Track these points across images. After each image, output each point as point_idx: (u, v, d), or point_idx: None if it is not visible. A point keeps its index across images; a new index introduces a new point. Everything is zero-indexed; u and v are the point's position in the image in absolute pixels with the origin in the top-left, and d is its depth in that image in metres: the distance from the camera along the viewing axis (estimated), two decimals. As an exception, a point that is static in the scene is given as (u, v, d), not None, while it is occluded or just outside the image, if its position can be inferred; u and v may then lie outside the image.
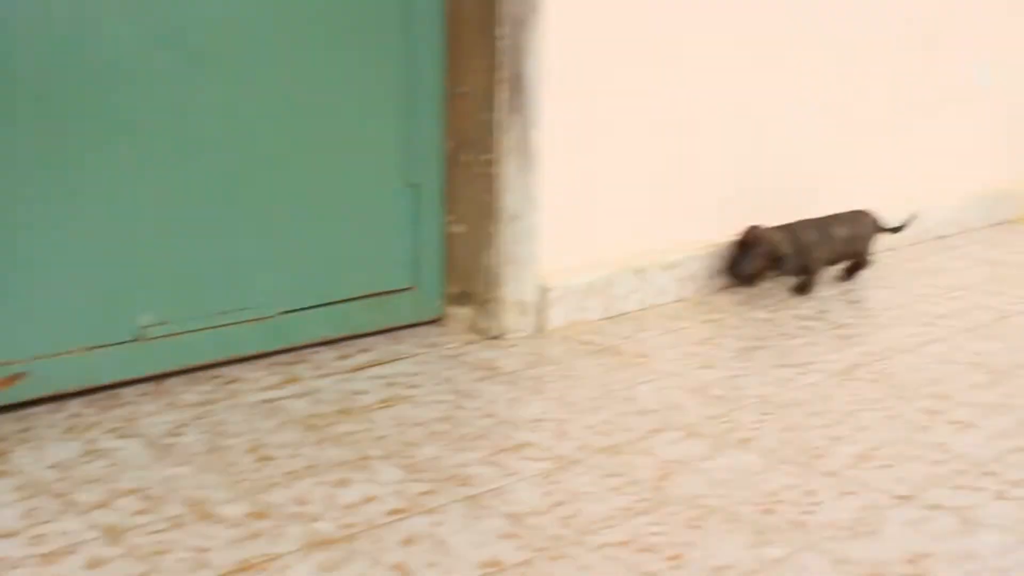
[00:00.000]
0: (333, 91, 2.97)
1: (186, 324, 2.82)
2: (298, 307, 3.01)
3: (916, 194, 4.34)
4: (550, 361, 2.95)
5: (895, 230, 3.74)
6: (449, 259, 3.22)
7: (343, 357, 2.98)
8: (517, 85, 3.06)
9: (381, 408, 2.63)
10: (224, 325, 2.88)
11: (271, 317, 2.96)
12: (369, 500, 2.17)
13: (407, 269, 3.18)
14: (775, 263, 3.45)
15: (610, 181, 3.34)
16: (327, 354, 3.01)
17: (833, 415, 2.58)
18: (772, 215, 3.78)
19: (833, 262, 3.60)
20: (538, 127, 3.10)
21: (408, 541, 2.00)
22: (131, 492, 2.20)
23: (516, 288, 3.11)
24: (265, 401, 2.69)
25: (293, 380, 2.82)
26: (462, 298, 3.20)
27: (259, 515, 2.10)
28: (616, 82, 3.30)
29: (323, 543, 2.00)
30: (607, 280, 3.32)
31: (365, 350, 3.04)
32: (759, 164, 3.76)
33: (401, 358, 2.98)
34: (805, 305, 3.53)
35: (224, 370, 2.88)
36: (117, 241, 2.69)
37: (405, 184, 3.13)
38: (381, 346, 3.06)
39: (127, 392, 2.70)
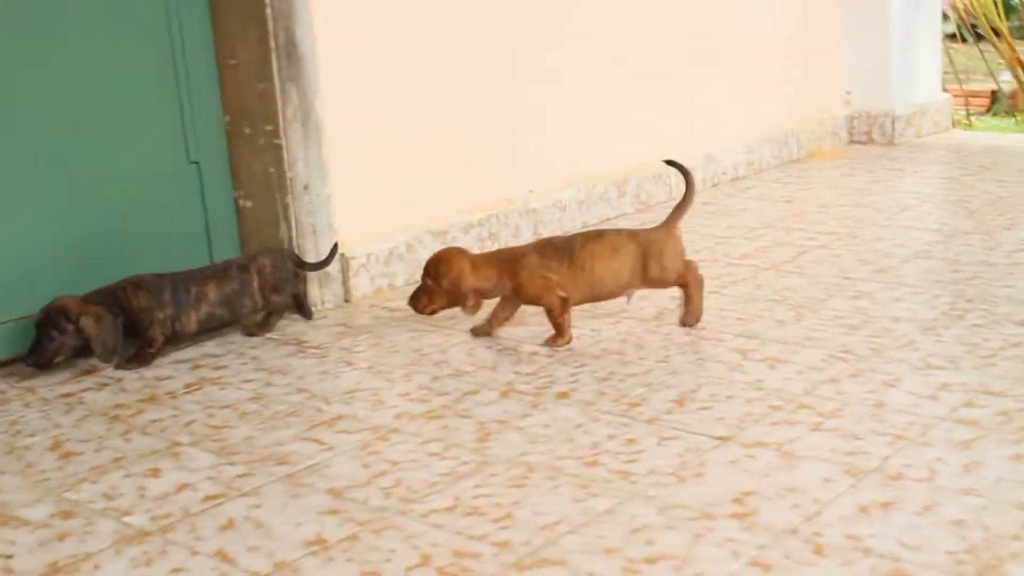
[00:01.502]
0: (103, 73, 2.85)
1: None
2: (91, 296, 2.86)
3: (708, 139, 4.39)
4: (360, 331, 2.89)
5: (318, 265, 3.01)
6: (241, 234, 3.12)
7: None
8: (291, 53, 2.97)
9: (187, 393, 2.54)
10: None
11: (63, 306, 2.81)
12: (182, 488, 2.09)
13: (199, 247, 3.07)
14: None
15: (402, 146, 3.28)
16: (125, 342, 2.88)
17: (647, 363, 2.58)
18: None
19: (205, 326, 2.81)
20: (320, 95, 3.01)
21: (227, 526, 1.93)
22: (-77, 503, 2.07)
23: (316, 259, 3.03)
24: (63, 396, 2.56)
25: (91, 372, 2.69)
26: (257, 274, 3.10)
27: (66, 514, 2.01)
28: (396, 47, 3.24)
29: (136, 537, 1.91)
30: (408, 245, 3.26)
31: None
32: (550, 118, 3.74)
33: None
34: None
35: (15, 367, 2.73)
36: None
37: (187, 161, 3.02)
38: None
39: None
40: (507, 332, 2.79)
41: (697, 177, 3.79)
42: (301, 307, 2.96)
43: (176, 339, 2.75)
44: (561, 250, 2.66)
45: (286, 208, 3.01)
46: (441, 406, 2.38)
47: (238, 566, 1.80)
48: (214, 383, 2.57)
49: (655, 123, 4.08)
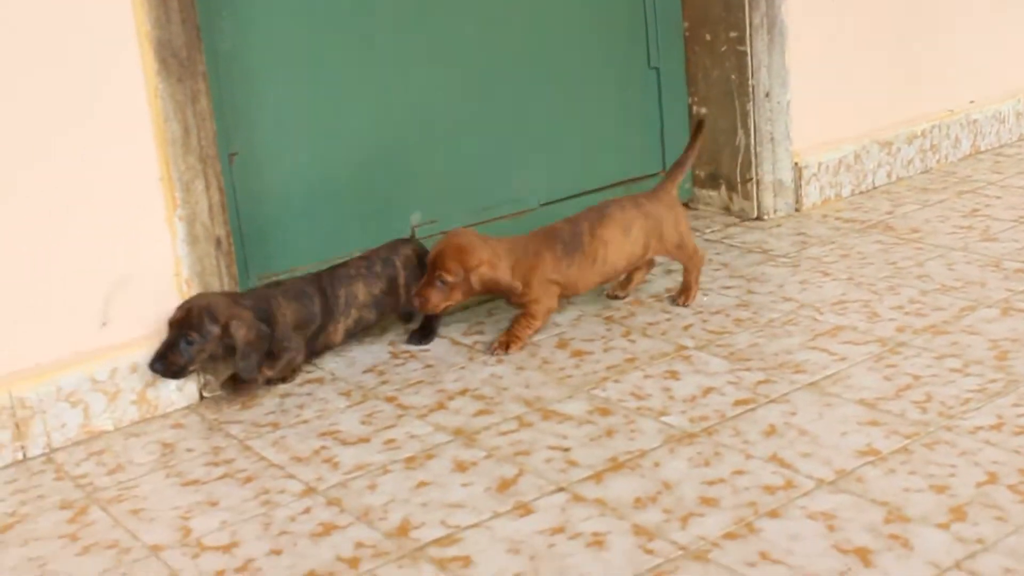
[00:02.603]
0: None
1: (453, 221, 2.78)
2: (557, 198, 2.96)
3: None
4: (821, 240, 2.88)
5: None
6: (693, 141, 3.14)
7: (606, 247, 2.92)
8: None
9: (672, 296, 2.58)
10: (488, 220, 2.84)
11: (533, 210, 2.92)
12: (708, 391, 2.13)
13: (654, 154, 3.12)
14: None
15: (855, 55, 3.22)
16: (588, 244, 2.95)
17: None
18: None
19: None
20: (786, 2, 2.99)
21: (770, 432, 1.97)
22: (460, 394, 2.18)
23: (773, 168, 3.03)
24: (549, 295, 2.64)
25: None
26: (712, 180, 3.13)
27: (603, 411, 2.08)
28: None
29: (683, 438, 1.97)
30: (856, 155, 3.22)
31: (625, 238, 2.98)
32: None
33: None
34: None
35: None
36: (388, 145, 2.65)
37: (648, 67, 3.05)
38: (639, 234, 3.00)
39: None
40: (982, 249, 2.72)
41: None
42: (427, 327, 2.47)
43: (315, 356, 2.37)
44: (569, 245, 2.36)
45: (745, 116, 3.01)
46: (942, 321, 2.34)
47: (799, 471, 1.83)
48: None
49: None
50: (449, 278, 2.27)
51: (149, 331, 2.20)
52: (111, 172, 2.12)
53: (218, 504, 1.88)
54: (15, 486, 2.01)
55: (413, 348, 2.41)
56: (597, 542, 1.67)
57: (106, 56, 2.09)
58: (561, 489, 1.82)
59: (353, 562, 1.68)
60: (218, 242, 2.24)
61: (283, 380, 2.29)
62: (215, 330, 2.14)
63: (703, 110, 3.09)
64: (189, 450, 2.08)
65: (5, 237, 2.05)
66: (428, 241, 2.63)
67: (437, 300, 2.30)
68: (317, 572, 1.67)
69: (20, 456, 2.08)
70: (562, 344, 2.37)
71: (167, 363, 2.14)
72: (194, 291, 2.22)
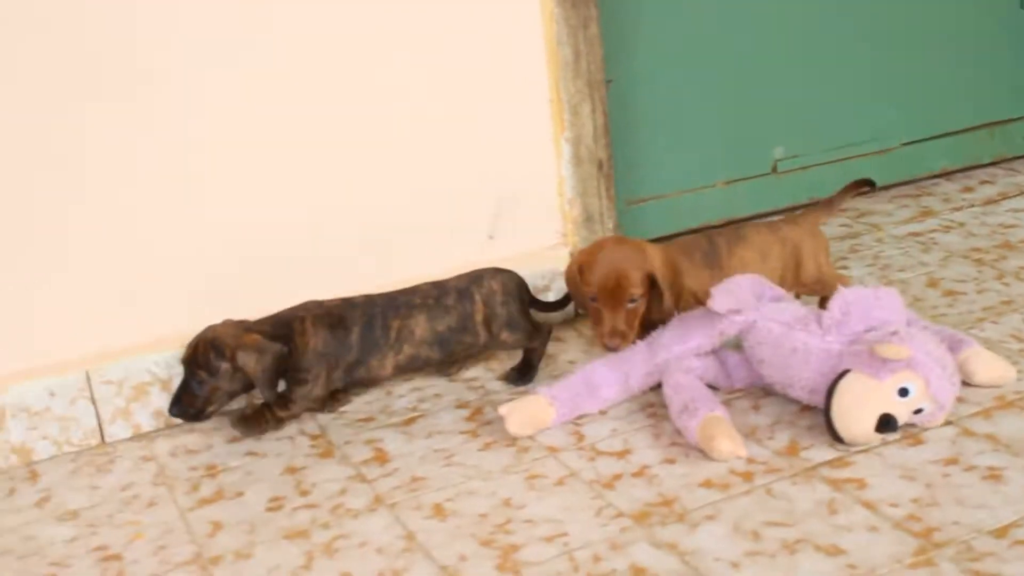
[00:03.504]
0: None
1: (814, 157, 2.79)
2: (918, 138, 2.93)
3: None
4: None
5: (551, 306, 2.23)
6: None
7: (967, 190, 2.88)
8: None
9: None
10: (849, 158, 2.84)
11: (893, 149, 2.90)
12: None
13: (1019, 97, 3.03)
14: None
15: None
16: (948, 186, 2.92)
17: None
18: None
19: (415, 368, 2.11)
20: None
21: None
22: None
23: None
24: (912, 234, 2.63)
25: (928, 213, 2.75)
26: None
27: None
28: None
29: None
30: None
31: (986, 182, 2.93)
32: None
33: (1031, 191, 2.86)
34: None
35: (848, 202, 2.83)
36: (754, 77, 2.69)
37: (1019, 7, 2.96)
38: (999, 178, 2.94)
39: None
40: None
41: None
42: (526, 365, 2.14)
43: (356, 387, 2.12)
44: (708, 256, 2.11)
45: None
46: None
47: None
48: None
49: None
50: (638, 292, 1.98)
51: (531, 247, 2.29)
52: (504, 93, 2.22)
53: (607, 413, 1.96)
54: (412, 384, 2.14)
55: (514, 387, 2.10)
56: (993, 476, 1.67)
57: (506, -20, 2.17)
58: (949, 423, 1.82)
59: (747, 476, 1.73)
60: (600, 164, 2.32)
61: (318, 409, 2.06)
62: (223, 366, 1.95)
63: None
64: (570, 361, 2.17)
65: (414, 154, 2.16)
66: (789, 177, 2.66)
67: (631, 326, 1.99)
68: (713, 481, 1.73)
69: (413, 357, 2.21)
70: (932, 284, 2.35)
71: (183, 407, 1.98)
72: (577, 211, 2.30)
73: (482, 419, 1.98)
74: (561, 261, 2.30)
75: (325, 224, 2.14)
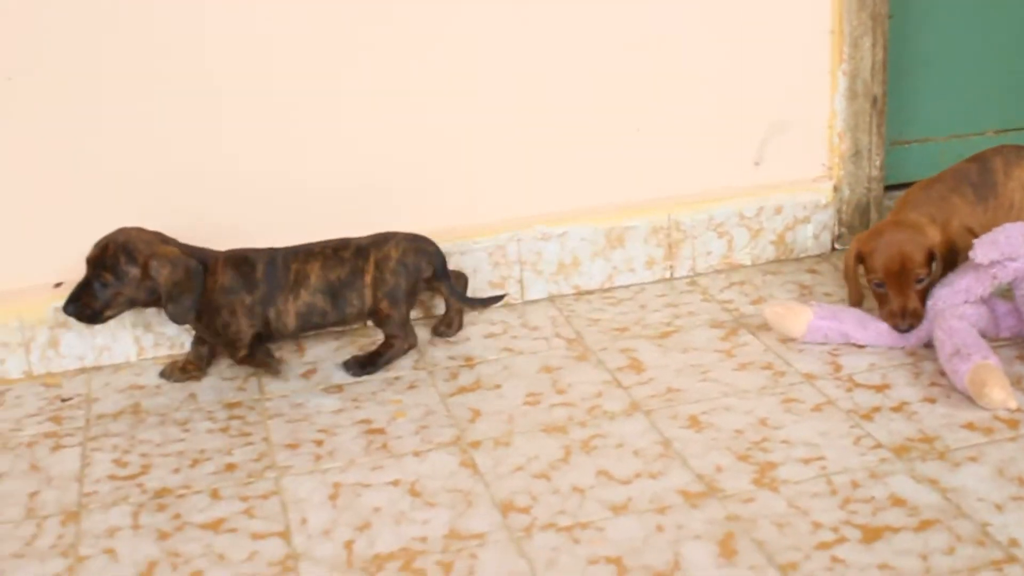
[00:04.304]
0: None
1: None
2: None
3: None
4: None
5: (474, 302, 2.13)
6: None
7: None
8: None
9: None
10: None
11: None
12: None
13: None
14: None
15: None
16: None
17: None
18: None
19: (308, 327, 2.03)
20: None
21: None
22: None
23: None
24: None
25: None
26: None
27: None
28: None
29: None
30: None
31: None
32: None
33: None
34: None
35: None
36: None
37: None
38: None
39: None
40: None
41: None
42: (373, 355, 2.01)
43: (271, 340, 2.01)
44: (980, 187, 1.98)
45: None
46: None
47: None
48: None
49: None
50: (924, 272, 1.90)
51: (797, 176, 2.29)
52: (787, 19, 2.20)
53: (865, 348, 1.95)
54: (666, 300, 2.16)
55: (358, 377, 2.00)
56: None
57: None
58: None
59: (1011, 423, 1.71)
60: (874, 100, 2.29)
61: (263, 367, 2.00)
62: (133, 271, 1.87)
63: None
64: (826, 294, 2.15)
65: (675, 79, 2.18)
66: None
67: (922, 305, 1.92)
68: (976, 425, 1.71)
69: (668, 274, 2.24)
70: None
71: (80, 306, 1.88)
72: (846, 145, 2.28)
73: (736, 340, 1.99)
74: (823, 193, 2.29)
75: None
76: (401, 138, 2.09)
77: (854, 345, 1.96)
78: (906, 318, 1.90)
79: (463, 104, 2.10)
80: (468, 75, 2.09)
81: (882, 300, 1.94)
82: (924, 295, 1.92)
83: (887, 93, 2.32)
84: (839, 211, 2.32)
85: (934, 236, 1.92)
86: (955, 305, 1.88)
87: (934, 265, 1.91)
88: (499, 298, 2.12)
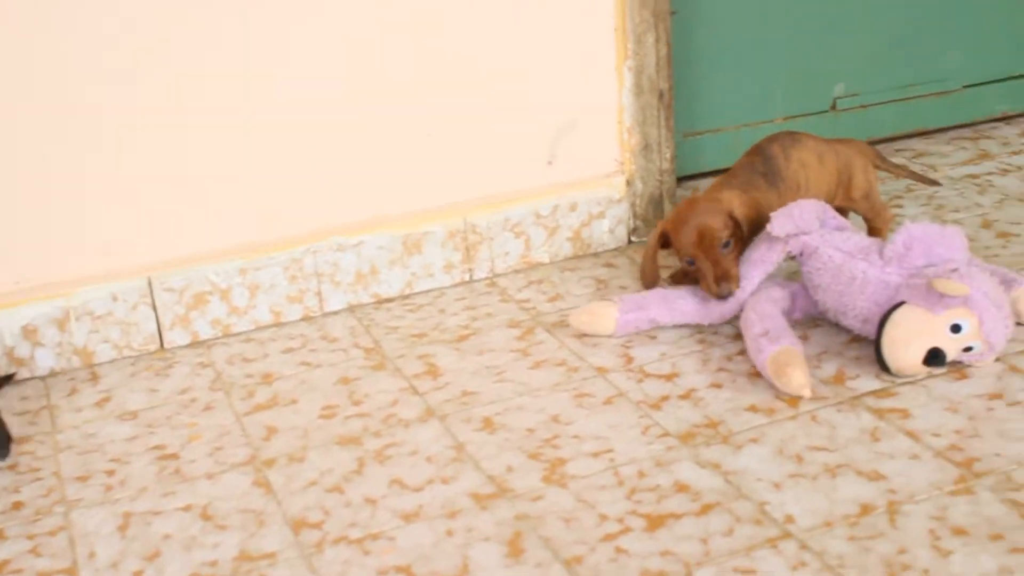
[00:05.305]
0: None
1: (875, 96, 2.79)
2: (979, 82, 2.91)
3: None
4: None
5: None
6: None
7: (1025, 135, 2.87)
8: None
9: None
10: (910, 98, 2.83)
11: (954, 91, 2.88)
12: None
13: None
14: None
15: None
16: (1007, 130, 2.91)
17: None
18: None
19: None
20: None
21: None
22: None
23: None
24: (969, 176, 2.63)
25: (986, 156, 2.74)
26: None
27: (1036, 292, 2.05)
28: None
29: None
30: None
31: (1047, 127, 2.91)
32: None
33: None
34: None
35: (906, 143, 2.83)
36: (818, 13, 2.69)
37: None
38: (1063, 124, 2.93)
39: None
40: None
41: None
42: None
43: None
44: (768, 175, 2.09)
45: None
46: None
47: None
48: None
49: None
50: (726, 234, 1.96)
51: (590, 173, 2.32)
52: (570, 17, 2.23)
53: (656, 338, 1.98)
54: (465, 303, 2.17)
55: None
56: (1038, 411, 1.69)
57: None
58: (997, 360, 1.83)
59: (792, 402, 1.75)
60: (661, 95, 2.33)
61: None
62: None
63: None
64: (622, 287, 2.19)
65: (464, 82, 2.18)
66: (848, 115, 2.66)
67: (734, 267, 1.97)
68: (758, 407, 1.76)
69: (467, 277, 2.25)
70: (987, 224, 2.36)
71: None
72: (635, 140, 2.32)
73: (533, 339, 2.01)
74: (616, 188, 2.32)
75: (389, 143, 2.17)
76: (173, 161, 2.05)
77: (647, 335, 1.98)
78: (722, 283, 1.94)
79: (247, 121, 2.07)
80: (256, 95, 2.06)
81: (700, 276, 1.97)
82: (734, 262, 1.96)
83: (673, 87, 2.36)
84: (633, 205, 2.36)
85: (730, 201, 1.96)
86: (768, 287, 1.94)
87: (737, 229, 1.95)
88: (9, 377, 1.98)
